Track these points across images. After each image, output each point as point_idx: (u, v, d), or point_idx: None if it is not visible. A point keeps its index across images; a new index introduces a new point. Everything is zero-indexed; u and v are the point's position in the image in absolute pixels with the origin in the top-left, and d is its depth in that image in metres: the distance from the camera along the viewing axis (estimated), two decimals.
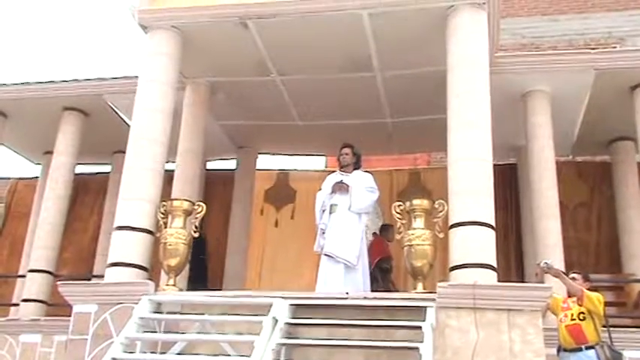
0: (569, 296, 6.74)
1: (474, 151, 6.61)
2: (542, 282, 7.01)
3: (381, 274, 9.19)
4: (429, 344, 5.47)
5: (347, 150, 7.89)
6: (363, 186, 7.58)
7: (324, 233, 7.52)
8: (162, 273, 7.33)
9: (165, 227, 7.07)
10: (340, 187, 7.57)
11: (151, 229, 7.06)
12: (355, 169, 7.84)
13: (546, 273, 6.85)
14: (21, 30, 40.05)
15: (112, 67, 36.05)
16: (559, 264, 8.19)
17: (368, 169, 8.11)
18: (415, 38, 7.75)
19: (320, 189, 7.83)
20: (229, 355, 6.00)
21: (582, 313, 6.49)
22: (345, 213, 7.47)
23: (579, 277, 6.80)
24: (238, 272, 10.60)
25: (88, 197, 12.35)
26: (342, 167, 7.87)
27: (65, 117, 10.45)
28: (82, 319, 6.61)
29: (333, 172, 8.03)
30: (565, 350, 6.54)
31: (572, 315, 6.55)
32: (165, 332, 6.50)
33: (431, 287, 6.41)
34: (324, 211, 7.65)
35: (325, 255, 7.43)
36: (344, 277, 7.23)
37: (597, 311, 6.49)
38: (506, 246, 10.19)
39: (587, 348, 6.39)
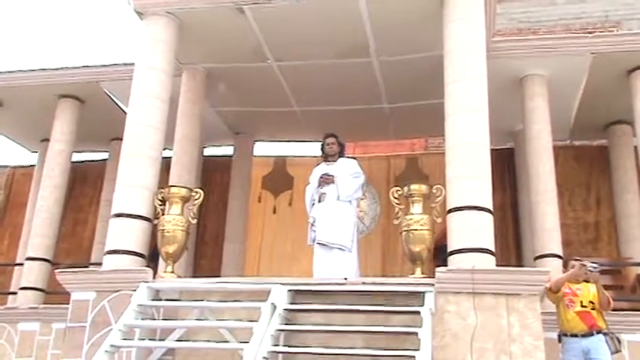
0: (569, 281, 6.73)
1: (471, 135, 6.59)
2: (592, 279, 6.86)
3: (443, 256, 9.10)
4: (428, 329, 5.47)
5: (332, 140, 7.91)
6: (348, 173, 7.62)
7: (313, 225, 7.55)
8: (160, 260, 7.35)
9: (163, 214, 7.07)
10: (326, 180, 7.60)
11: (148, 217, 7.05)
12: (340, 157, 7.85)
13: (587, 274, 6.67)
14: (16, 17, 39.86)
15: (107, 53, 35.92)
16: (557, 247, 8.23)
17: (365, 155, 8.11)
18: (412, 23, 7.72)
19: (308, 183, 7.85)
20: (228, 342, 6.01)
21: (592, 302, 6.57)
22: (335, 201, 7.51)
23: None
24: (237, 259, 10.61)
25: (86, 185, 12.30)
26: (328, 157, 7.87)
27: (61, 104, 10.38)
28: (80, 306, 6.61)
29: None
30: (573, 335, 6.55)
31: (581, 302, 6.57)
32: (163, 319, 6.51)
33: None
34: (314, 204, 7.68)
35: (318, 244, 7.46)
36: (339, 262, 7.26)
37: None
38: (503, 230, 10.18)
39: (598, 332, 6.47)
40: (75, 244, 11.83)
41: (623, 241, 9.89)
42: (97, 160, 12.30)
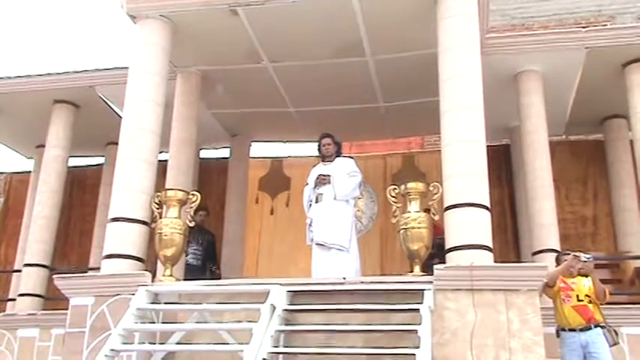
0: (564, 276, 6.74)
1: (467, 133, 6.59)
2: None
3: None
4: (428, 327, 5.46)
5: (328, 140, 7.88)
6: (345, 172, 7.60)
7: (311, 226, 7.54)
8: (159, 263, 7.33)
9: (160, 218, 7.06)
10: (322, 180, 7.59)
11: (145, 220, 7.04)
12: (337, 156, 7.84)
13: (581, 267, 6.68)
14: (9, 23, 39.82)
15: (102, 58, 35.90)
16: (555, 243, 8.24)
17: (362, 154, 8.10)
18: (405, 21, 7.72)
19: (306, 184, 7.85)
20: (228, 344, 6.01)
21: (589, 296, 6.57)
22: (331, 201, 7.49)
23: None
24: (235, 260, 10.59)
25: (82, 190, 12.29)
26: (325, 158, 7.85)
27: (56, 110, 10.38)
28: (79, 311, 6.60)
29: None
30: (571, 330, 6.55)
31: (577, 296, 6.58)
32: (163, 322, 6.50)
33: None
34: (311, 204, 7.67)
35: (317, 244, 7.45)
36: (337, 262, 7.25)
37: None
38: (501, 227, 10.20)
39: (596, 326, 6.47)
40: (72, 249, 11.84)
41: (621, 234, 9.91)
42: (93, 165, 12.29)
